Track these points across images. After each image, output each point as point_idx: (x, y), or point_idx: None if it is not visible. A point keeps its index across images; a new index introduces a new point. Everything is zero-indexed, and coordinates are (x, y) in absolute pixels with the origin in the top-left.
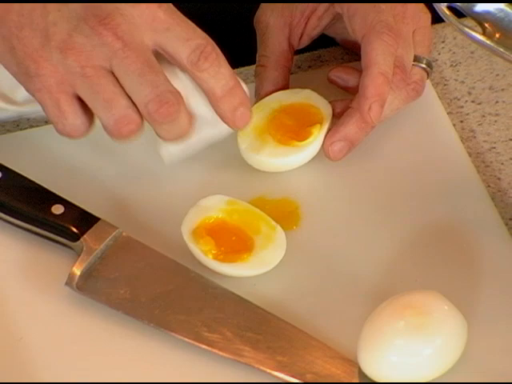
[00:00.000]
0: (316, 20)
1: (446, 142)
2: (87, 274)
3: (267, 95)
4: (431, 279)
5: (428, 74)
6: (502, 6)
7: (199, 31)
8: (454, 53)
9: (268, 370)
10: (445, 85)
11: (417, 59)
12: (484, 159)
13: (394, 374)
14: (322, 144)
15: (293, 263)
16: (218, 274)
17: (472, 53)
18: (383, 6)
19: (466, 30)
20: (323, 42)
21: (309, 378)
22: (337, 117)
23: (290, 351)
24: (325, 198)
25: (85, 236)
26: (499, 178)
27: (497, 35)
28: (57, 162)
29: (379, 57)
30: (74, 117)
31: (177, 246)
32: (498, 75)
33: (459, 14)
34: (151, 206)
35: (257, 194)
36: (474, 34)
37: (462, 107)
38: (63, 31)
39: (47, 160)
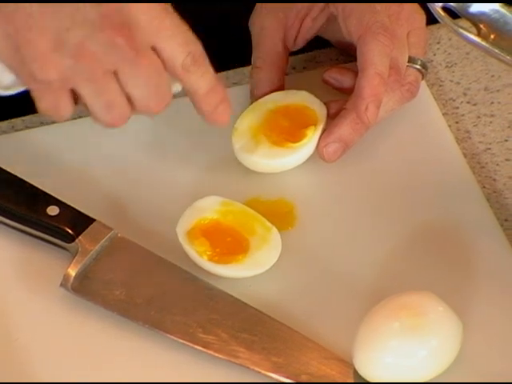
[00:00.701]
0: (311, 21)
1: (441, 142)
2: (82, 276)
3: (262, 96)
4: (426, 280)
5: (423, 75)
6: (497, 6)
7: (192, 37)
8: (449, 54)
9: (263, 371)
10: (440, 86)
11: (411, 60)
12: (479, 160)
13: (389, 374)
14: (317, 146)
15: (288, 264)
16: (213, 275)
17: (467, 54)
18: (378, 6)
19: (461, 30)
20: (318, 43)
21: (304, 378)
22: (331, 118)
23: (285, 352)
24: (320, 199)
25: (80, 237)
26: (494, 179)
27: (492, 36)
28: (52, 163)
29: (376, 57)
30: (65, 110)
31: (172, 247)
32: (493, 76)
33: (454, 15)
34: (146, 207)
35: (252, 195)
36: (469, 34)
37: (457, 108)
38: (76, 38)
39: (42, 161)
